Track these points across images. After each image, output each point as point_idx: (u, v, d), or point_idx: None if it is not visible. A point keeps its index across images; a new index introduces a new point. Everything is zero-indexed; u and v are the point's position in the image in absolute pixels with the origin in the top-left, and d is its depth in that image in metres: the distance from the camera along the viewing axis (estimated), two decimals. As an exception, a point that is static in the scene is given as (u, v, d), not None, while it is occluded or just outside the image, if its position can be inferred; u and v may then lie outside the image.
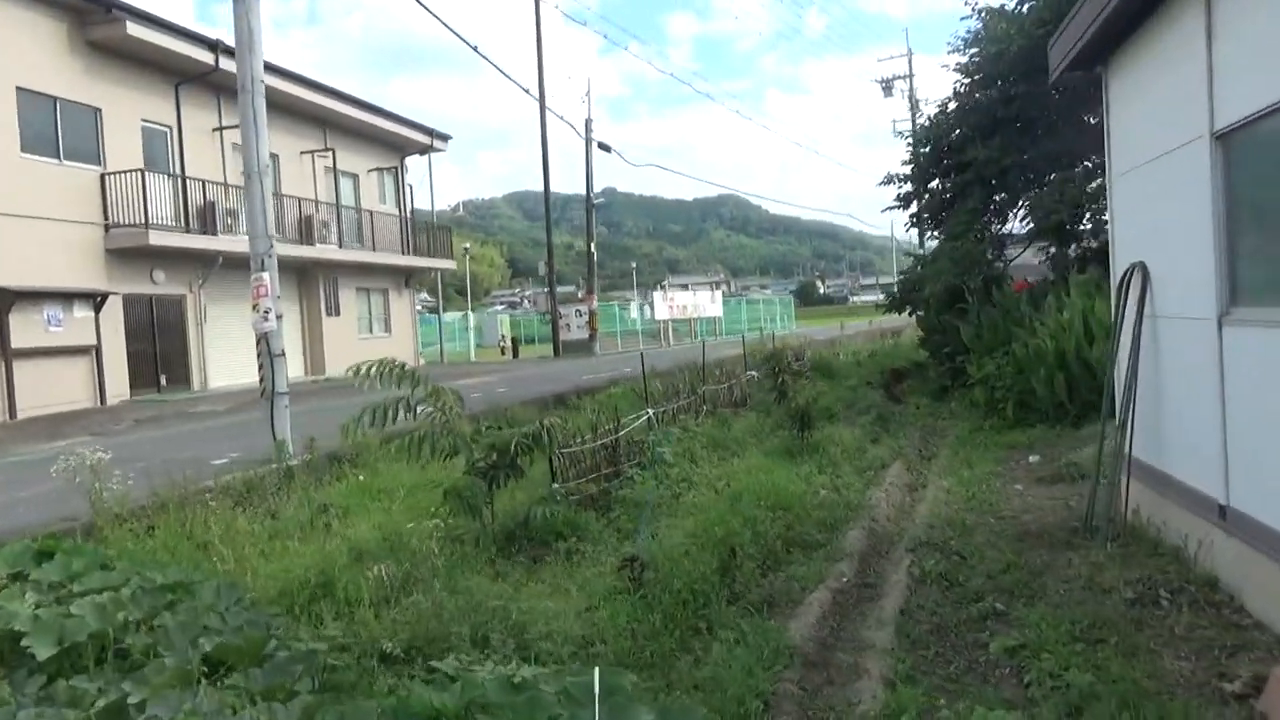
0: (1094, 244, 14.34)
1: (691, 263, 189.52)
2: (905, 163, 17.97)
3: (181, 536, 7.35)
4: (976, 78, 16.54)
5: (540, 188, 33.27)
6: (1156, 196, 6.02)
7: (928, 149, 17.59)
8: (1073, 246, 14.61)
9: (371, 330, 29.57)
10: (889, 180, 18.34)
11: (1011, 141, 15.07)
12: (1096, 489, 6.84)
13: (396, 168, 31.08)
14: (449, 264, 33.63)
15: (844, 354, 26.01)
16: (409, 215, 31.53)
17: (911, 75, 56.51)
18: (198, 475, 9.20)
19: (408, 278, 31.32)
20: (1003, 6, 16.51)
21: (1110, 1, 6.15)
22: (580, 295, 38.92)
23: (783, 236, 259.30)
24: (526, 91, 31.09)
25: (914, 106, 56.82)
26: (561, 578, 6.06)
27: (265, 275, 11.20)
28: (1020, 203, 15.74)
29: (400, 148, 31.05)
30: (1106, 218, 15.10)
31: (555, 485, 7.59)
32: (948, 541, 6.99)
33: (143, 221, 19.85)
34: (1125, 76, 6.67)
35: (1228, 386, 5.07)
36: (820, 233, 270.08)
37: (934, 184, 17.11)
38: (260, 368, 11.46)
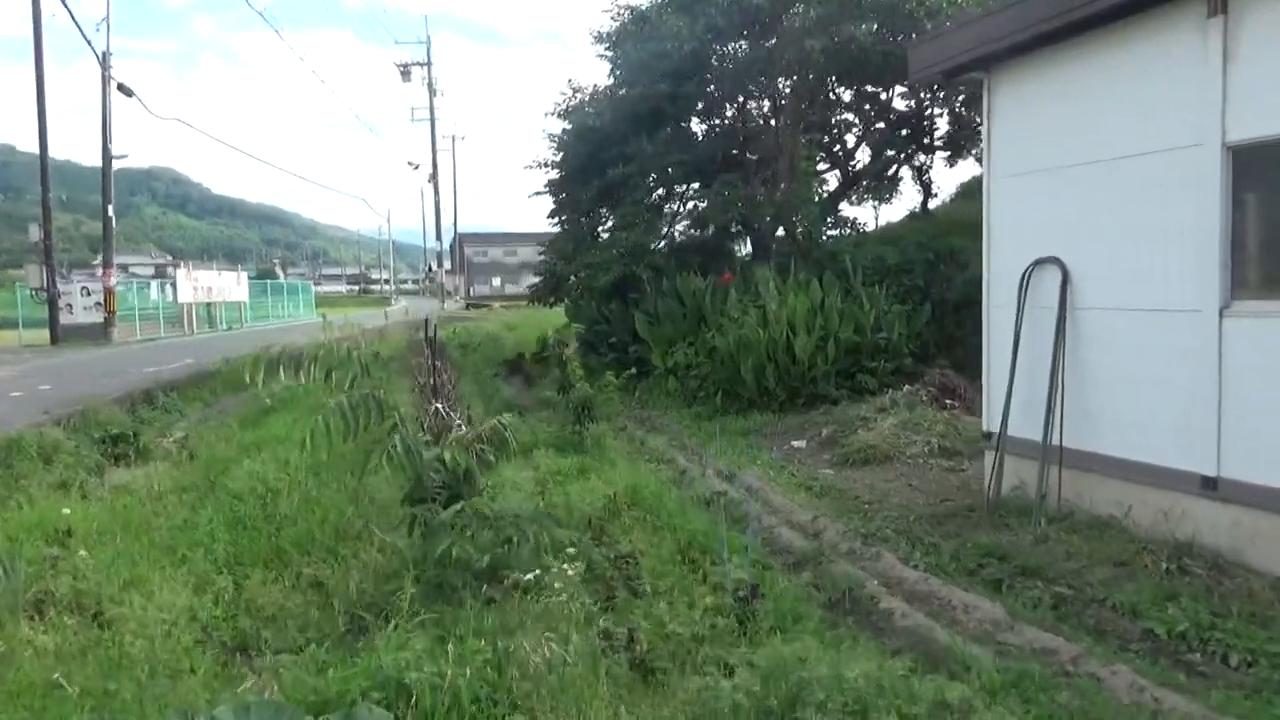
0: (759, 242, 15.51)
1: (119, 240, 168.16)
2: (553, 148, 17.64)
3: None
4: (620, 74, 16.83)
5: None
6: (1093, 197, 6.56)
7: (571, 138, 17.47)
8: (739, 244, 15.62)
9: None
10: (536, 165, 17.86)
11: (676, 138, 15.59)
12: (1000, 470, 7.32)
13: None
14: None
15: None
16: None
17: (430, 64, 56.82)
18: None
19: None
20: (641, 8, 17.05)
21: (1040, 20, 6.61)
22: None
23: (228, 219, 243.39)
24: None
25: (432, 94, 57.17)
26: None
27: None
28: (687, 198, 16.37)
29: None
30: (776, 221, 16.59)
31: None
32: (881, 531, 6.95)
33: None
34: (1026, 86, 7.20)
35: (1226, 371, 5.70)
36: (269, 218, 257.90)
37: (589, 173, 16.99)
38: None
